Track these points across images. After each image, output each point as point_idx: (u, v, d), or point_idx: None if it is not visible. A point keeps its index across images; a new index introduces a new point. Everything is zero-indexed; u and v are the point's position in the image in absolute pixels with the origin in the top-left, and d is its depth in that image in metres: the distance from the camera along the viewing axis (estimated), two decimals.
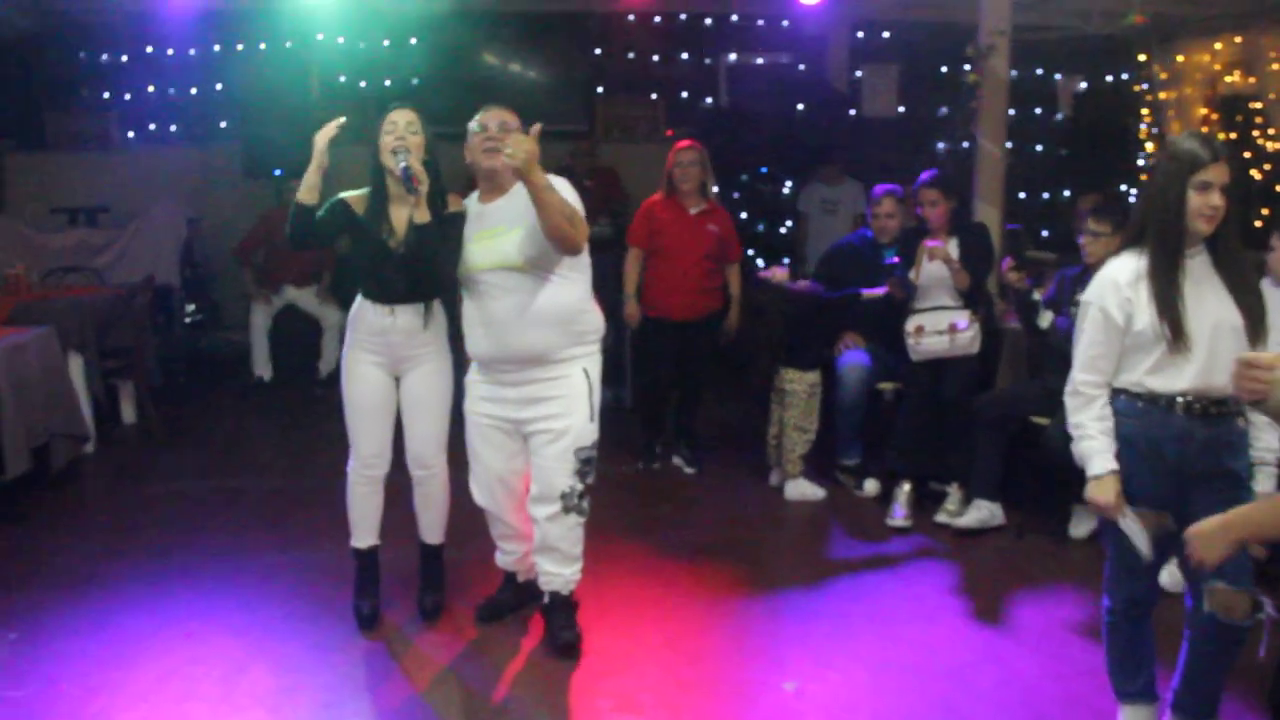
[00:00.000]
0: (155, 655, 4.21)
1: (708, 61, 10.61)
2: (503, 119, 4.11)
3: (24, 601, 4.67)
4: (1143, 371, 3.27)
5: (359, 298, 4.33)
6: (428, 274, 4.17)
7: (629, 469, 6.45)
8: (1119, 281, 3.28)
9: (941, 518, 5.61)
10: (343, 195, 4.24)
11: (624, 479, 6.33)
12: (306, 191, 4.03)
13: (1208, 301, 3.23)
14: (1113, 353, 3.31)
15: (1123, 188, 9.21)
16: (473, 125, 4.16)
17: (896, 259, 5.92)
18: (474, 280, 4.14)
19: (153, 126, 10.13)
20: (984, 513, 5.48)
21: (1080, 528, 5.40)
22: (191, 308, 9.37)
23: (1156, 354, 3.23)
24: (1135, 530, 3.25)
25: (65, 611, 4.58)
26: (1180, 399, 3.23)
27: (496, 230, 4.07)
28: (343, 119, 4.08)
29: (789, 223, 9.59)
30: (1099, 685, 3.68)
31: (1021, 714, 3.83)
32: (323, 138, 4.04)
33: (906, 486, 5.69)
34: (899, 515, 5.61)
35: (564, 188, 3.97)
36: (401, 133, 4.12)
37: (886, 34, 10.28)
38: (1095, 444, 3.31)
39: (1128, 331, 3.26)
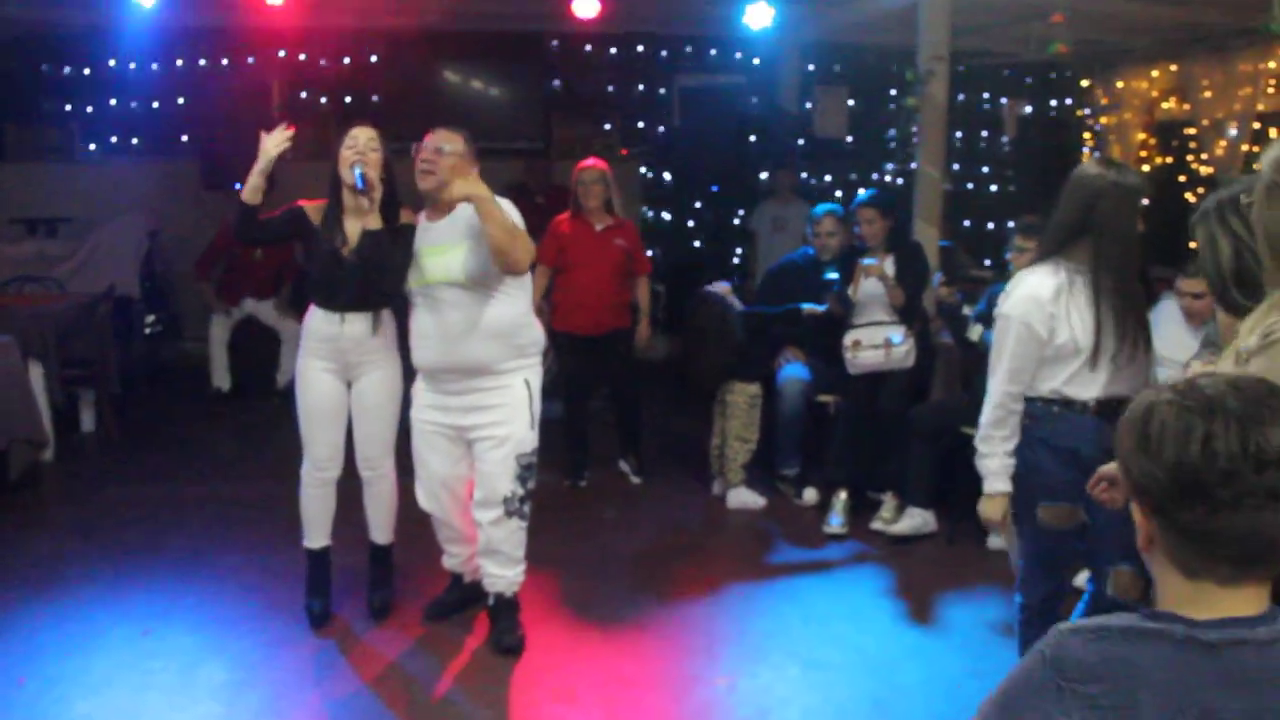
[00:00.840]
0: (112, 649, 4.36)
1: (661, 83, 10.82)
2: (440, 142, 4.27)
3: None
4: (1060, 381, 3.47)
5: (312, 306, 4.50)
6: (377, 282, 4.34)
7: (569, 483, 6.57)
8: (1041, 298, 3.43)
9: (876, 525, 5.80)
10: (301, 203, 4.42)
11: (569, 488, 6.50)
12: (250, 193, 4.25)
13: None
14: (1031, 365, 3.48)
15: None
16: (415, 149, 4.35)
17: (835, 275, 6.13)
18: (420, 293, 4.32)
19: (114, 139, 10.24)
20: (917, 520, 5.69)
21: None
22: (151, 319, 9.44)
23: (1075, 365, 3.43)
24: (1010, 544, 3.55)
25: (24, 610, 4.72)
26: (1093, 403, 3.45)
27: (442, 247, 4.25)
28: (292, 129, 4.30)
29: (739, 247, 9.83)
30: None
31: (946, 710, 4.02)
32: (271, 144, 4.25)
33: (843, 495, 5.88)
34: (835, 523, 5.80)
35: (504, 204, 4.16)
36: (362, 148, 4.32)
37: (836, 59, 10.53)
38: (995, 463, 3.54)
39: (1049, 344, 3.44)
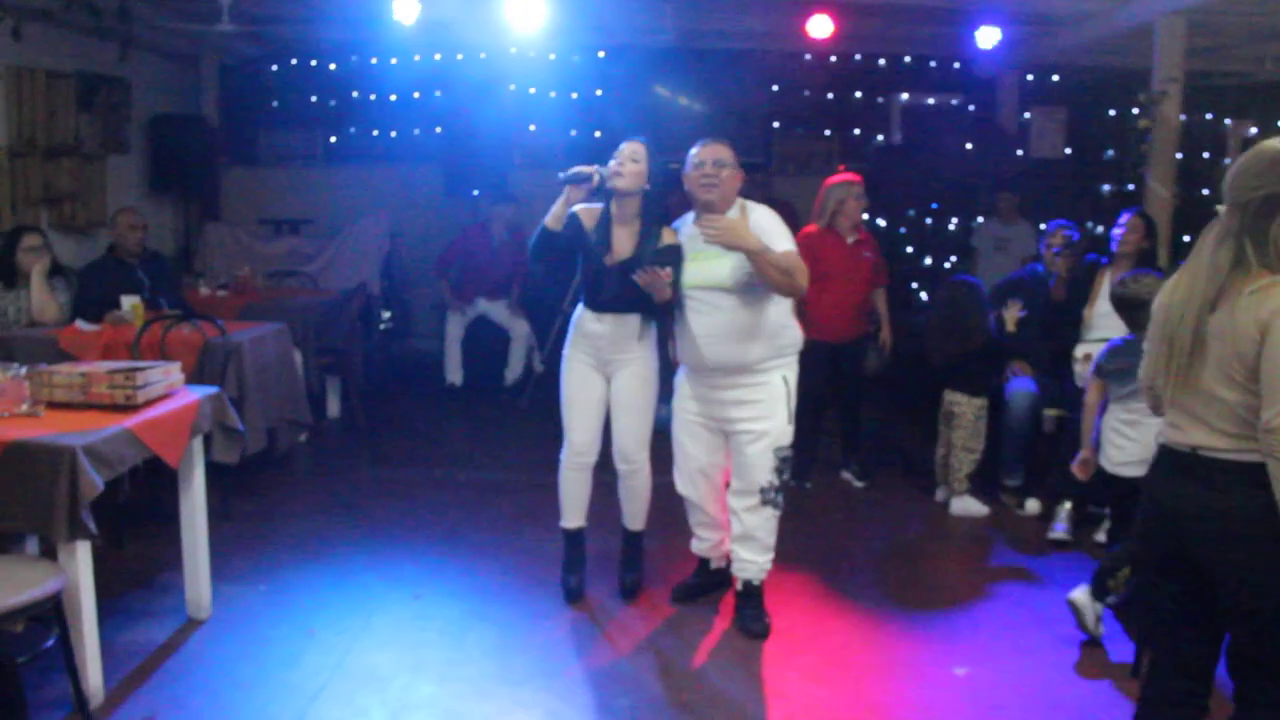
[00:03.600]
0: (389, 610, 4.78)
1: (881, 100, 11.00)
2: (717, 155, 4.56)
3: (267, 561, 5.31)
4: None
5: (580, 304, 4.84)
6: (636, 293, 4.58)
7: (794, 484, 6.72)
8: None
9: (1100, 537, 5.83)
10: (577, 209, 4.72)
11: (796, 491, 6.67)
12: (553, 220, 4.58)
13: None
14: None
15: None
16: (691, 158, 4.61)
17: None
18: (688, 296, 4.59)
19: (358, 147, 10.90)
20: None
21: None
22: (387, 315, 10.03)
23: None
24: None
25: (305, 571, 5.20)
26: None
27: (713, 253, 4.49)
28: (575, 208, 4.66)
29: (954, 258, 9.88)
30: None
31: None
32: (566, 203, 4.60)
33: (1068, 504, 5.91)
34: (1059, 529, 5.83)
35: (769, 219, 4.42)
36: (623, 159, 4.62)
37: (1056, 77, 10.54)
38: None
39: None
